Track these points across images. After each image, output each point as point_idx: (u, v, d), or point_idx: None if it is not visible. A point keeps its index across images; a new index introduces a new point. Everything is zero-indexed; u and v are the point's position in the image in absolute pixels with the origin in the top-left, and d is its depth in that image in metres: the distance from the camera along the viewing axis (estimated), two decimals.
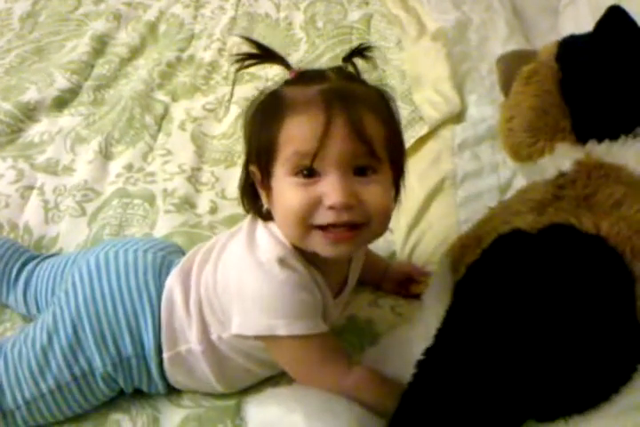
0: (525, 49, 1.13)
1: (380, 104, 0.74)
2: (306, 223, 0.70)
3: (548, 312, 0.64)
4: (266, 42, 0.81)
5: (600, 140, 0.81)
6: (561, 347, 0.63)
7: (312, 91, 0.70)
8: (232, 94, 1.41)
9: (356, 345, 0.88)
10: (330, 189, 0.68)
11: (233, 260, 0.78)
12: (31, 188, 1.18)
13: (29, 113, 1.34)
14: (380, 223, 0.73)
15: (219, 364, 0.80)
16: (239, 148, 1.27)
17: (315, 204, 0.69)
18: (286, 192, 0.71)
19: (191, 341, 0.80)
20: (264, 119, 0.73)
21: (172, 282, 0.82)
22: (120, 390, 0.83)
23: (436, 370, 0.67)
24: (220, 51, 1.55)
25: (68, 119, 1.34)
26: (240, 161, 1.24)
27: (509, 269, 0.70)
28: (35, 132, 1.30)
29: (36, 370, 0.79)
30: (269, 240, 0.75)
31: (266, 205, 0.76)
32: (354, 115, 0.68)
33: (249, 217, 0.81)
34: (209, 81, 1.47)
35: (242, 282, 0.75)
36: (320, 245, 0.71)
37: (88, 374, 0.79)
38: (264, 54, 0.77)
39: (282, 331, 0.73)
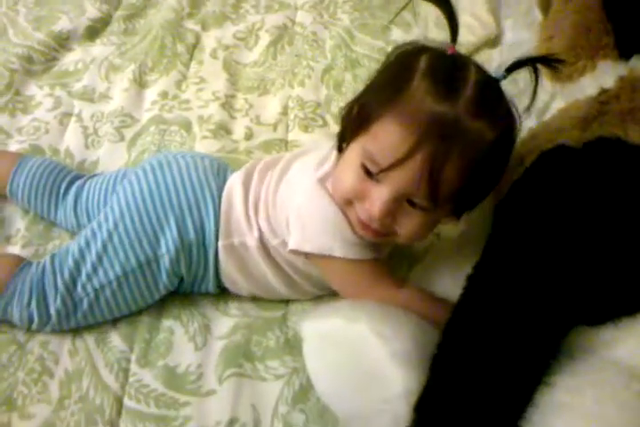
0: None
1: (485, 152, 0.69)
2: (348, 201, 0.75)
3: (596, 220, 0.65)
4: None
5: None
6: (610, 253, 0.64)
7: (430, 105, 0.67)
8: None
9: (402, 265, 0.91)
10: (375, 200, 0.71)
11: (300, 178, 0.82)
12: (69, 115, 1.19)
13: (62, 42, 1.34)
14: (405, 241, 0.77)
15: (269, 262, 0.85)
16: (272, 75, 1.28)
17: (362, 196, 0.73)
18: (348, 169, 0.74)
19: (246, 235, 0.84)
20: (386, 86, 0.72)
21: (234, 180, 0.88)
22: (176, 286, 0.88)
23: (487, 283, 0.69)
24: None
25: (100, 48, 1.34)
26: (273, 89, 1.25)
27: (555, 182, 0.71)
28: (69, 60, 1.31)
29: (104, 258, 0.83)
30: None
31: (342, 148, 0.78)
32: (440, 158, 0.66)
33: (326, 143, 0.84)
34: (238, 10, 1.45)
35: (307, 202, 0.79)
36: (353, 220, 0.76)
37: (153, 262, 0.84)
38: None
39: (338, 252, 0.77)
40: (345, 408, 0.73)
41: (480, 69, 0.71)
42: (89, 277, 0.83)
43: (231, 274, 0.87)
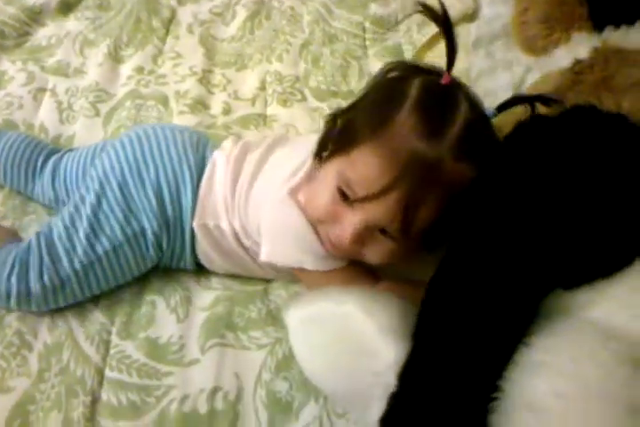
0: None
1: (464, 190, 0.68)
2: (320, 220, 0.76)
3: (572, 186, 0.66)
4: None
5: (617, 27, 0.82)
6: (586, 215, 0.65)
7: (414, 144, 0.66)
8: None
9: None
10: (347, 226, 0.71)
11: (271, 187, 0.81)
12: (43, 90, 1.17)
13: (35, 16, 1.31)
14: (373, 263, 0.77)
15: (244, 249, 0.85)
16: (249, 50, 1.28)
17: (334, 219, 0.73)
18: (324, 189, 0.73)
19: (220, 220, 0.84)
20: (373, 111, 0.71)
21: (217, 162, 0.87)
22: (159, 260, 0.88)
23: (465, 248, 0.69)
24: None
25: (74, 23, 1.32)
26: (251, 64, 1.25)
27: (533, 150, 0.71)
28: (42, 35, 1.28)
29: (90, 234, 0.82)
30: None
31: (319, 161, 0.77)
32: (417, 198, 0.66)
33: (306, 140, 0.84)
34: None
35: (276, 215, 0.79)
36: (323, 237, 0.77)
37: (139, 236, 0.84)
38: (444, 25, 0.71)
39: (309, 266, 0.78)
40: (336, 387, 0.73)
41: (471, 104, 0.70)
42: (77, 254, 0.82)
43: (207, 253, 0.87)
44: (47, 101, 1.15)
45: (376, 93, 0.74)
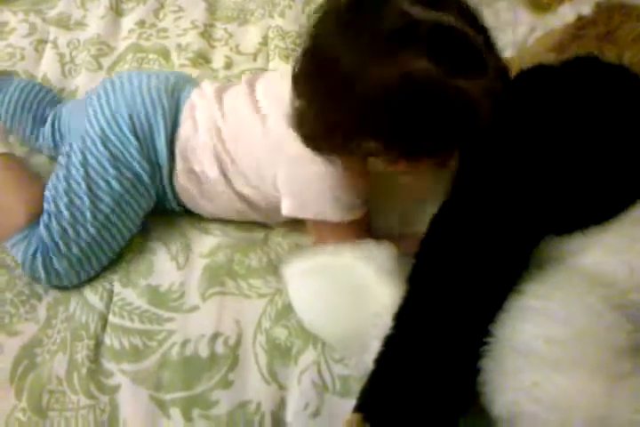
0: None
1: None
2: None
3: (572, 132, 0.68)
4: None
5: None
6: (581, 163, 0.67)
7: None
8: None
9: None
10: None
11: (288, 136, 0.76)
12: (44, 41, 1.17)
13: None
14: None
15: (235, 193, 0.86)
16: (251, 6, 1.27)
17: None
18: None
19: (204, 166, 0.85)
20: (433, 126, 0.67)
21: (197, 104, 0.87)
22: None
23: (461, 195, 0.72)
24: None
25: None
26: (253, 19, 1.23)
27: (534, 97, 0.72)
28: None
29: (91, 195, 0.83)
30: None
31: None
32: None
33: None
34: None
35: (305, 165, 0.77)
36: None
37: (136, 182, 0.85)
38: None
39: (332, 217, 0.79)
40: (335, 332, 0.75)
41: None
42: (87, 220, 0.83)
43: (191, 197, 0.88)
44: (49, 53, 1.15)
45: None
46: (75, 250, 0.83)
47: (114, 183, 0.83)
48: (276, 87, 0.84)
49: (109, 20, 1.21)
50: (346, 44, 0.64)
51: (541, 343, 0.63)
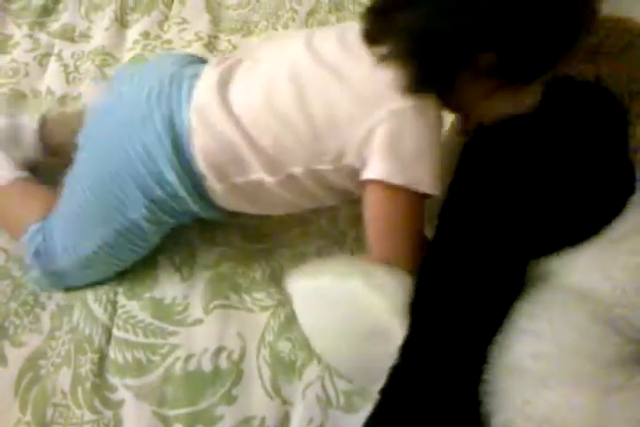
0: None
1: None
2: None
3: (547, 153, 0.69)
4: None
5: None
6: (558, 184, 0.68)
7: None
8: None
9: None
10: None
11: (380, 93, 0.70)
12: (49, 55, 1.18)
13: None
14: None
15: (292, 192, 0.77)
16: (255, 17, 1.27)
17: None
18: (526, 100, 0.71)
19: (252, 173, 0.75)
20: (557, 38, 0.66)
21: (206, 101, 0.75)
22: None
23: (453, 227, 0.72)
24: None
25: None
26: (257, 31, 1.24)
27: (511, 126, 0.72)
28: None
29: (80, 237, 0.82)
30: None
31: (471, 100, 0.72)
32: None
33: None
34: None
35: (410, 125, 0.69)
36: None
37: (132, 226, 0.79)
38: None
39: (424, 187, 0.71)
40: (346, 363, 0.75)
41: None
42: (74, 250, 0.82)
43: (236, 206, 0.81)
44: (53, 66, 1.16)
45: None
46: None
47: (108, 229, 0.81)
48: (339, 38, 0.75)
49: (114, 32, 1.22)
50: None
51: (530, 361, 0.63)
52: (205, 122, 0.75)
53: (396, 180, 0.70)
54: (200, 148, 0.75)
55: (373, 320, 0.69)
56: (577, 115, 0.72)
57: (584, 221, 0.69)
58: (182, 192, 0.76)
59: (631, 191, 0.69)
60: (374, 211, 0.74)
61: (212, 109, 0.75)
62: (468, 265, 0.69)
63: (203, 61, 0.88)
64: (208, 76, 0.78)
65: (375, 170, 0.71)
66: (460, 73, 0.68)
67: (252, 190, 0.77)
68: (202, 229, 0.91)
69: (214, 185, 0.76)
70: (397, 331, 0.67)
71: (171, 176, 0.75)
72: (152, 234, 0.82)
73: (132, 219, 0.78)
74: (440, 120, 0.73)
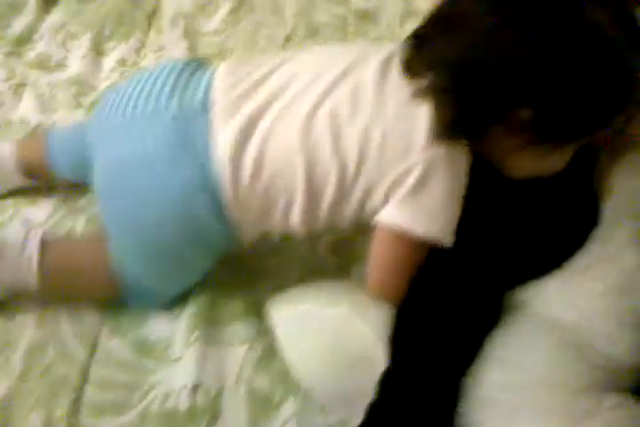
0: None
1: None
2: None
3: (518, 190, 0.71)
4: None
5: None
6: (529, 219, 0.70)
7: None
8: None
9: None
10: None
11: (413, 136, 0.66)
12: (24, 84, 1.17)
13: (18, 8, 1.30)
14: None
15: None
16: (232, 44, 1.27)
17: None
18: (562, 161, 0.69)
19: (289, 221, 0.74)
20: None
21: (234, 156, 0.70)
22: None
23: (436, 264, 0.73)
24: None
25: (56, 15, 1.31)
26: (234, 57, 1.24)
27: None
28: (23, 27, 1.28)
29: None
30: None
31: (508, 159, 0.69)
32: None
33: None
34: None
35: (431, 175, 0.67)
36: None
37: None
38: None
39: (440, 238, 0.69)
40: (330, 392, 0.74)
41: None
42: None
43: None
44: (28, 94, 1.15)
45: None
46: None
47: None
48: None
49: (90, 60, 1.21)
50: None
51: (501, 392, 0.64)
52: (236, 176, 0.71)
53: (416, 229, 0.69)
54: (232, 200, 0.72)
55: (358, 347, 0.69)
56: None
57: (553, 254, 0.70)
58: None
59: (594, 224, 0.70)
60: (383, 249, 0.73)
61: (244, 165, 0.71)
62: (445, 298, 0.70)
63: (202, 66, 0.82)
64: (227, 123, 0.72)
65: (396, 215, 0.69)
66: (495, 121, 0.65)
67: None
68: None
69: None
70: (382, 358, 0.68)
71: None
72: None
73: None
74: (467, 171, 0.70)
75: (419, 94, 0.65)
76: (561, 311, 0.68)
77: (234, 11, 1.35)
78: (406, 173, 0.67)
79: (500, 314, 0.70)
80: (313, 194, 0.71)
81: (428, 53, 0.66)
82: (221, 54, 1.25)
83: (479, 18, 0.61)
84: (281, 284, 0.87)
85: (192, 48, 1.26)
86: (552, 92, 0.61)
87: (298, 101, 0.72)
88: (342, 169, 0.69)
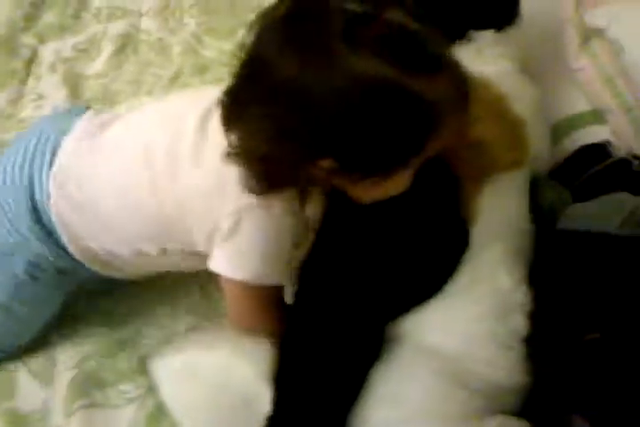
0: None
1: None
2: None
3: (388, 222, 0.70)
4: None
5: None
6: (399, 247, 0.69)
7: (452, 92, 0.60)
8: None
9: None
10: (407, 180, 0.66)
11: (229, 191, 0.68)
12: None
13: None
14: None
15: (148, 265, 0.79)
16: (117, 86, 1.24)
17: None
18: (401, 185, 0.66)
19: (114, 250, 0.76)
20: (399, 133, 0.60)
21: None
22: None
23: (313, 295, 0.72)
24: None
25: None
26: (120, 99, 1.21)
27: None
28: None
29: None
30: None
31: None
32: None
33: None
34: (78, 20, 1.40)
35: (245, 222, 0.67)
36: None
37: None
38: None
39: (267, 281, 0.70)
40: None
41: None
42: None
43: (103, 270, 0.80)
44: None
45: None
46: None
47: None
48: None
49: None
50: (289, 53, 0.58)
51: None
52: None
53: (237, 275, 0.70)
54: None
55: (243, 389, 0.67)
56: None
57: (426, 280, 0.68)
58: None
59: (465, 245, 0.69)
60: (225, 291, 0.74)
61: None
62: (324, 335, 0.68)
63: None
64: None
65: (218, 263, 0.71)
66: (309, 173, 0.64)
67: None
68: (63, 328, 0.86)
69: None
70: (266, 401, 0.66)
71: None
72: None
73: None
74: (289, 212, 0.68)
75: (228, 154, 0.64)
76: (440, 339, 0.67)
77: (117, 52, 1.32)
78: (221, 220, 0.68)
79: (382, 347, 0.67)
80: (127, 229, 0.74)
81: (240, 113, 0.64)
82: (106, 97, 1.22)
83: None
84: (169, 334, 0.85)
85: (74, 93, 1.22)
86: (346, 141, 0.60)
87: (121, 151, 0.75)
88: (159, 213, 0.72)
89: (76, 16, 1.40)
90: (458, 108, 0.61)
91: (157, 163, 0.71)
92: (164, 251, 0.75)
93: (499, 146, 0.76)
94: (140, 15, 1.40)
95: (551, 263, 0.75)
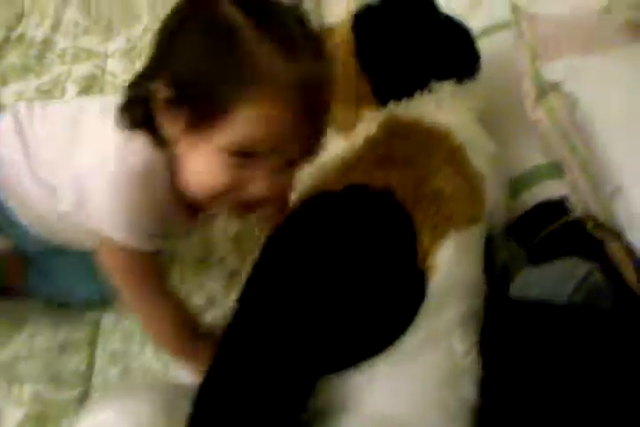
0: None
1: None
2: (219, 196, 0.69)
3: (337, 268, 0.67)
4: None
5: (399, 100, 0.83)
6: (349, 295, 0.65)
7: (287, 73, 0.61)
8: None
9: None
10: (262, 181, 0.66)
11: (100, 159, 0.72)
12: None
13: None
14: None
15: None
16: None
17: (240, 186, 0.67)
18: (214, 168, 0.66)
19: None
20: (217, 62, 0.63)
21: None
22: None
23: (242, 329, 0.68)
24: (54, 27, 1.45)
25: None
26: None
27: (311, 227, 0.72)
28: None
29: None
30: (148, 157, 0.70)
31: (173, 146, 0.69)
32: (321, 119, 0.67)
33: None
34: (42, 60, 1.38)
35: (114, 186, 0.69)
36: (228, 209, 0.76)
37: None
38: None
39: (129, 242, 0.72)
40: None
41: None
42: None
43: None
44: None
45: (197, 41, 0.65)
46: None
47: None
48: None
49: None
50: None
51: None
52: None
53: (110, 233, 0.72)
54: None
55: None
56: (365, 228, 0.70)
57: (376, 334, 0.65)
58: None
59: (421, 298, 0.66)
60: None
61: None
62: (248, 374, 0.64)
63: None
64: None
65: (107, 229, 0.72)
66: (151, 108, 0.68)
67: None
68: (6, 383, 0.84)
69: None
70: None
71: None
72: None
73: None
74: (149, 171, 0.69)
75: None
76: (393, 407, 0.64)
77: (81, 94, 1.30)
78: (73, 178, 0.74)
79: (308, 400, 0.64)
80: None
81: None
82: None
83: None
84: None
85: None
86: (176, 58, 0.66)
87: None
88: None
89: (40, 57, 1.39)
90: (284, 94, 0.62)
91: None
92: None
93: (457, 198, 0.75)
94: (106, 56, 1.39)
95: (501, 332, 0.71)
